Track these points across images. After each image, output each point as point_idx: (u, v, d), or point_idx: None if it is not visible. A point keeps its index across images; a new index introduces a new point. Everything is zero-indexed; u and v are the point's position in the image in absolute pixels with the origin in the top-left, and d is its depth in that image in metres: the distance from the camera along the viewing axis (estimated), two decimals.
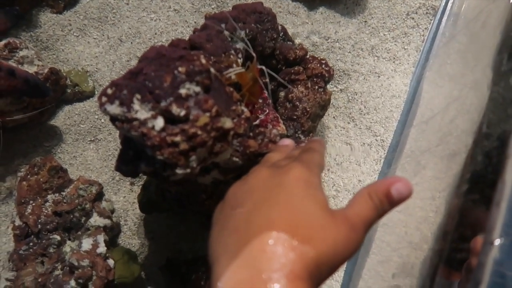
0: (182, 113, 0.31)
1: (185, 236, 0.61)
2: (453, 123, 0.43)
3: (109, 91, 0.32)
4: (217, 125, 0.32)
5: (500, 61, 0.33)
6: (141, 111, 0.31)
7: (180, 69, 0.32)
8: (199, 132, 0.31)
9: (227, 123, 0.33)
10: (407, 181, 0.27)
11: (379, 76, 0.68)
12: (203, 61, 0.33)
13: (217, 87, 0.35)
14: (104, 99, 0.32)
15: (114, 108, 0.32)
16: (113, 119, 0.32)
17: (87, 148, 0.65)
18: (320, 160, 0.32)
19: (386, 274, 0.48)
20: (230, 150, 0.37)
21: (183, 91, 0.32)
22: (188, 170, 0.32)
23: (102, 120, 0.66)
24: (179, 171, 0.32)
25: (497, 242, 0.22)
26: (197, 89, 0.33)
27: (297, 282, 0.22)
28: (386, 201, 0.27)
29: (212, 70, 0.34)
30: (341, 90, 0.68)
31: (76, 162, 0.65)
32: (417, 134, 0.57)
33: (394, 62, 0.69)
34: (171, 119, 0.31)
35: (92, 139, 0.66)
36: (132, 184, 0.63)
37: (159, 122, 0.31)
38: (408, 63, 0.69)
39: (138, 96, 0.32)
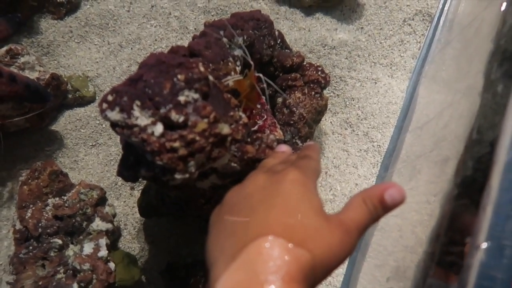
0: (181, 119, 0.32)
1: (184, 240, 0.61)
2: (447, 128, 0.44)
3: (110, 97, 0.33)
4: (215, 131, 0.33)
5: (490, 69, 0.34)
6: (141, 118, 0.32)
7: (179, 76, 0.33)
8: (197, 138, 0.32)
9: (225, 129, 0.34)
10: (400, 187, 0.28)
11: (375, 83, 0.69)
12: (202, 68, 0.34)
13: (215, 93, 0.36)
14: (104, 105, 0.33)
15: (115, 115, 0.32)
16: (114, 125, 0.33)
17: (88, 152, 0.66)
18: (316, 166, 0.33)
19: (382, 278, 0.48)
20: (228, 155, 0.38)
21: (182, 98, 0.32)
22: (187, 175, 0.33)
23: (103, 125, 0.67)
24: (177, 176, 0.32)
25: (484, 245, 0.23)
26: (196, 96, 0.33)
27: (292, 284, 0.23)
28: (379, 206, 0.28)
29: (210, 77, 0.35)
30: (338, 95, 0.69)
31: (77, 167, 0.65)
32: (412, 139, 0.57)
33: (390, 68, 0.70)
34: (170, 125, 0.32)
35: (93, 143, 0.66)
36: (132, 188, 0.64)
37: (159, 128, 0.32)
38: (404, 69, 0.70)
39: (138, 102, 0.32)
